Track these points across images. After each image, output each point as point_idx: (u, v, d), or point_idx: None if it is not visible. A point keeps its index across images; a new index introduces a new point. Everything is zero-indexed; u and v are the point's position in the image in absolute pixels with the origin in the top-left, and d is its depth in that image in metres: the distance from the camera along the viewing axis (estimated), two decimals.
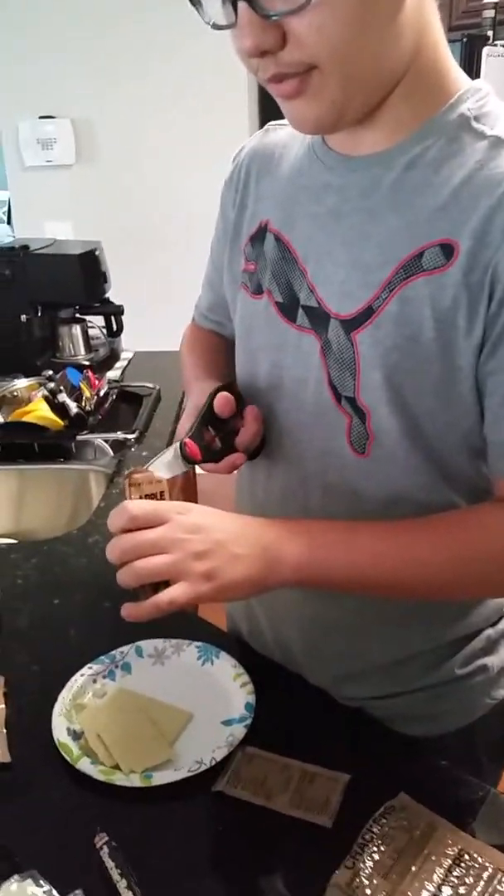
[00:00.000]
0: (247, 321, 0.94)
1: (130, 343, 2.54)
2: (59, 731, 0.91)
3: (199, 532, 0.76)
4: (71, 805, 0.84)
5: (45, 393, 1.83)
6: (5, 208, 5.40)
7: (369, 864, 0.72)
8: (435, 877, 0.71)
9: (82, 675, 0.99)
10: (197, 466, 0.89)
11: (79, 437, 1.79)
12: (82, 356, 2.36)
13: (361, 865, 0.72)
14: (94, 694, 0.98)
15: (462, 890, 0.70)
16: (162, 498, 0.79)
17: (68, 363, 2.20)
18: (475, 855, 0.73)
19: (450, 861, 0.72)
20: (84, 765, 0.86)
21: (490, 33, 2.99)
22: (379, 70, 0.72)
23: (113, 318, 2.41)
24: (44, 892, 0.72)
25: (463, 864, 0.72)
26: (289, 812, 0.80)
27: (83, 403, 1.84)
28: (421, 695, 0.97)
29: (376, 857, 0.73)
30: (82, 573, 1.29)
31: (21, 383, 2.05)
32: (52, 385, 1.83)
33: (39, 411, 1.79)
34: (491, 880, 0.70)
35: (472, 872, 0.71)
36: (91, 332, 2.41)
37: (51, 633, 1.13)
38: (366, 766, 0.85)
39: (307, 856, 0.77)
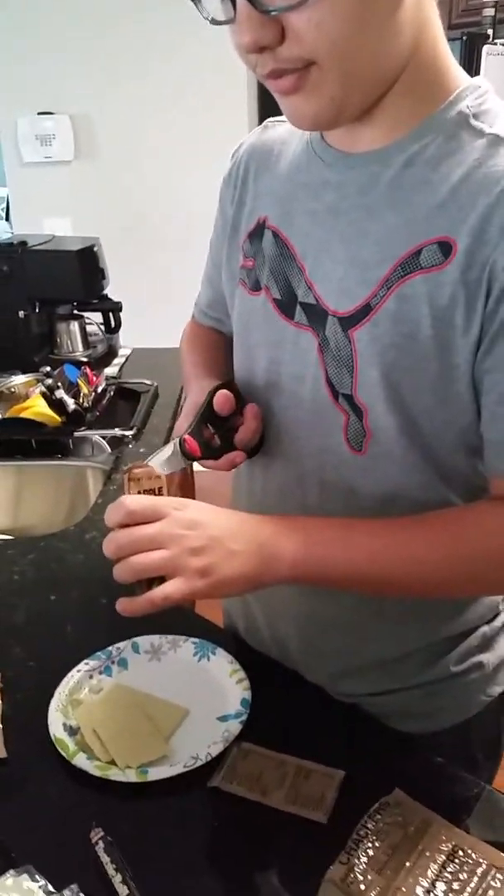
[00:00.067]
0: (244, 318, 0.95)
1: (128, 340, 2.54)
2: (56, 726, 0.91)
3: (196, 528, 0.76)
4: (67, 800, 0.84)
5: (43, 389, 1.83)
6: (4, 204, 5.39)
7: (364, 859, 0.72)
8: (429, 872, 0.71)
9: (79, 671, 0.99)
10: (195, 463, 0.89)
11: (76, 434, 1.79)
12: (80, 353, 2.37)
13: (356, 861, 0.72)
14: (90, 690, 0.98)
15: (456, 885, 0.70)
16: (160, 493, 0.80)
17: (66, 359, 2.20)
18: (469, 851, 0.73)
19: (444, 857, 0.73)
20: (80, 760, 0.86)
21: (490, 32, 2.99)
22: (377, 66, 0.72)
23: (111, 314, 2.41)
24: (39, 888, 0.72)
25: (457, 860, 0.72)
26: (284, 808, 0.80)
27: (81, 400, 1.84)
28: (417, 691, 0.97)
29: (371, 852, 0.73)
30: (79, 569, 1.29)
31: (19, 379, 2.06)
32: (49, 381, 1.83)
33: (37, 407, 1.79)
34: (485, 876, 0.71)
35: (466, 868, 0.72)
36: (89, 328, 2.42)
37: (47, 629, 1.13)
38: (361, 762, 0.86)
39: (302, 851, 0.77)
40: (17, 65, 3.38)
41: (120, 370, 2.32)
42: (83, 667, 1.00)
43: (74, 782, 0.85)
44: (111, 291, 2.42)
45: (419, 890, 0.70)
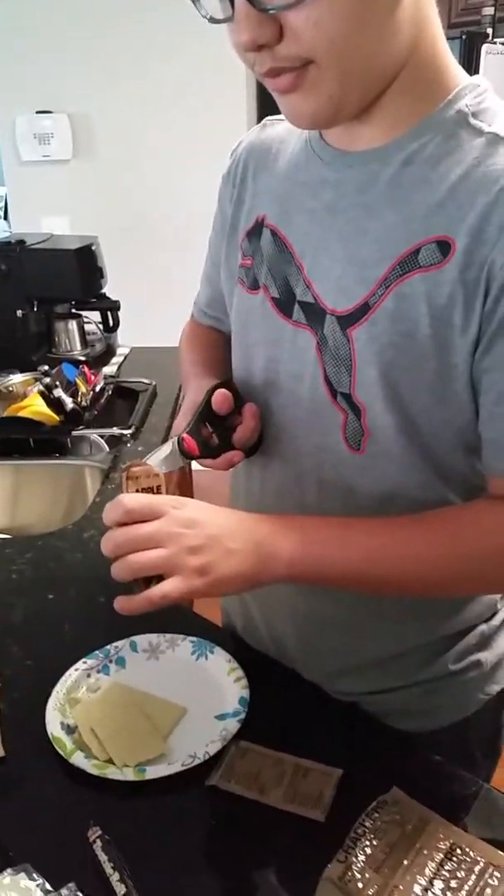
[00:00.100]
0: (243, 316, 0.94)
1: (127, 338, 2.54)
2: (53, 725, 0.91)
3: (194, 527, 0.76)
4: (64, 799, 0.84)
5: (41, 388, 1.83)
6: (2, 203, 5.39)
7: (362, 857, 0.72)
8: (427, 870, 0.71)
9: (76, 670, 0.99)
10: (194, 462, 0.89)
11: (74, 433, 1.79)
12: (78, 351, 2.36)
13: (354, 859, 0.72)
14: (88, 688, 0.98)
15: (453, 884, 0.70)
16: (158, 492, 0.79)
17: (64, 358, 2.20)
18: (467, 849, 0.73)
19: (441, 855, 0.73)
20: (78, 759, 0.86)
21: (489, 31, 2.99)
22: (376, 65, 0.72)
23: (109, 313, 2.41)
24: (37, 886, 0.72)
25: (455, 859, 0.72)
26: (282, 806, 0.80)
27: (79, 399, 1.84)
28: (415, 690, 0.98)
29: (369, 850, 0.73)
30: (77, 568, 1.29)
31: (17, 378, 2.06)
32: (47, 380, 1.83)
33: (35, 406, 1.79)
34: (482, 874, 0.71)
35: (463, 866, 0.72)
36: (87, 327, 2.41)
37: (45, 628, 1.13)
38: (359, 760, 0.86)
39: (300, 850, 0.77)
40: (16, 64, 3.37)
41: (118, 369, 2.32)
42: (81, 665, 1.00)
43: (72, 781, 0.85)
44: (109, 290, 2.42)
45: (417, 888, 0.70)
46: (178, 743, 0.89)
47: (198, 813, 0.82)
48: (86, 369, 1.97)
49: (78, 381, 1.88)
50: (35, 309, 2.26)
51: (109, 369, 2.28)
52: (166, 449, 0.85)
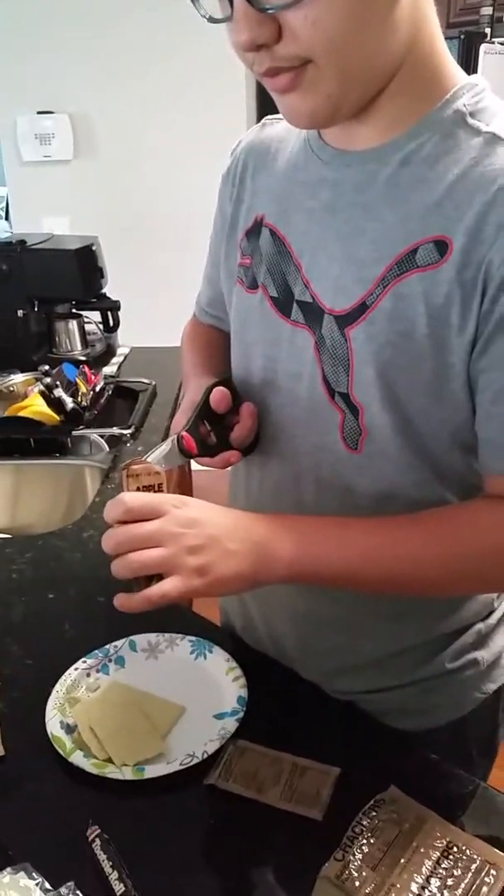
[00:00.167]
0: (242, 316, 0.95)
1: (127, 339, 2.54)
2: (53, 724, 0.91)
3: (194, 526, 0.76)
4: (63, 798, 0.84)
5: (42, 388, 1.83)
6: (3, 203, 5.40)
7: (359, 856, 0.73)
8: (424, 869, 0.71)
9: (76, 669, 1.00)
10: (193, 462, 0.89)
11: (74, 433, 1.79)
12: (78, 351, 2.37)
13: (351, 858, 0.72)
14: (87, 688, 0.98)
15: (450, 882, 0.70)
16: (159, 490, 0.79)
17: (64, 358, 2.20)
18: (464, 847, 0.73)
19: (438, 853, 0.73)
20: (77, 758, 0.86)
21: (488, 30, 2.99)
22: (374, 64, 0.72)
23: (109, 313, 2.41)
24: (36, 885, 0.72)
25: (451, 857, 0.72)
26: (280, 805, 0.80)
27: (79, 399, 1.84)
28: (412, 689, 0.98)
29: (366, 849, 0.73)
30: (77, 568, 1.29)
31: (17, 378, 2.06)
32: (48, 380, 1.83)
33: (35, 406, 1.79)
34: (479, 873, 0.71)
35: (460, 865, 0.72)
36: (87, 327, 2.42)
37: (45, 628, 1.13)
38: (357, 759, 0.86)
39: (298, 848, 0.77)
40: (17, 64, 3.38)
41: (118, 369, 2.32)
42: (80, 665, 1.00)
43: (71, 780, 0.85)
44: (110, 290, 2.43)
45: (414, 886, 0.70)
46: (177, 742, 0.89)
47: (196, 812, 0.82)
48: (86, 369, 1.97)
49: (78, 380, 1.89)
50: (36, 309, 2.26)
51: (109, 369, 2.28)
52: (166, 447, 0.85)
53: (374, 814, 0.77)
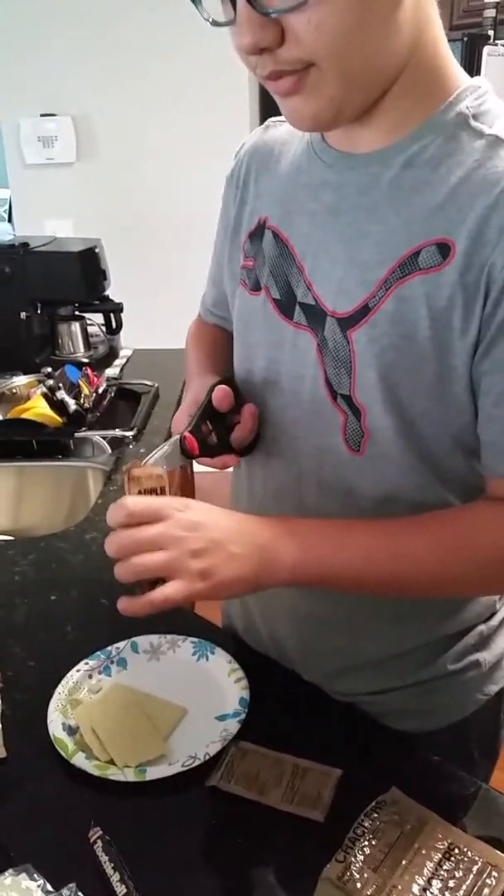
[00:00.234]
0: (244, 317, 0.95)
1: (129, 341, 2.54)
2: (55, 726, 0.91)
3: (198, 530, 0.76)
4: (65, 800, 0.84)
5: (44, 390, 1.83)
6: (6, 206, 5.40)
7: (360, 857, 0.73)
8: (425, 870, 0.71)
9: (78, 671, 1.00)
10: (195, 464, 0.89)
11: (77, 435, 1.79)
12: (81, 353, 2.37)
13: (353, 859, 0.72)
14: (89, 689, 0.98)
15: (452, 883, 0.70)
16: (162, 493, 0.79)
17: (67, 360, 2.21)
18: (465, 849, 0.73)
19: (440, 855, 0.73)
20: (79, 760, 0.86)
21: (491, 32, 3.00)
22: (377, 67, 0.72)
23: (112, 315, 2.42)
24: (38, 886, 0.72)
25: (453, 858, 0.72)
26: (281, 807, 0.80)
27: (82, 401, 1.84)
28: (414, 690, 0.98)
29: (367, 850, 0.73)
30: (79, 569, 1.30)
31: (20, 380, 2.06)
32: (51, 382, 1.83)
33: (38, 408, 1.80)
34: (480, 874, 0.71)
35: (461, 866, 0.72)
36: (90, 329, 2.42)
37: (47, 629, 1.13)
38: (358, 761, 0.86)
39: (299, 850, 0.77)
40: (19, 65, 3.38)
41: (121, 371, 2.32)
42: (83, 666, 1.01)
43: (73, 782, 0.85)
44: (112, 293, 2.43)
45: (415, 888, 0.70)
46: (179, 743, 0.89)
47: (198, 813, 0.82)
48: (89, 371, 1.97)
49: (81, 383, 1.89)
50: (38, 311, 2.27)
51: (112, 371, 2.28)
52: (167, 447, 0.85)
53: (375, 815, 0.77)
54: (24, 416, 1.79)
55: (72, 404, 1.79)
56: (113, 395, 2.03)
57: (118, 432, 1.81)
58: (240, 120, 3.35)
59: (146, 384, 2.10)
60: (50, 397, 1.81)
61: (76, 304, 2.36)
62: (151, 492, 0.79)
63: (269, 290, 0.89)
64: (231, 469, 0.94)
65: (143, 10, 3.24)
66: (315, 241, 0.85)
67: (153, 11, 3.21)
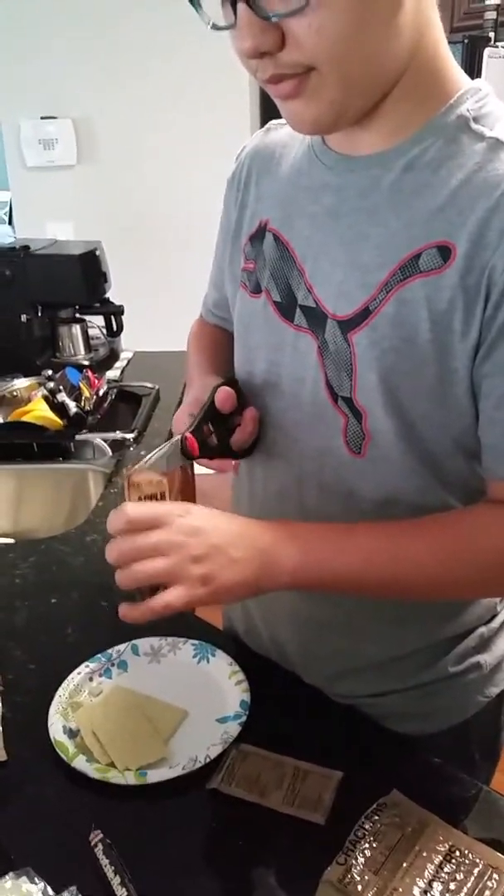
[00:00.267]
0: (245, 320, 0.95)
1: (130, 343, 2.54)
2: (55, 729, 0.91)
3: (198, 535, 0.76)
4: (66, 802, 0.84)
5: (45, 392, 1.83)
6: (7, 209, 5.41)
7: (361, 860, 0.73)
8: (426, 873, 0.71)
9: (79, 674, 1.00)
10: (196, 466, 0.89)
11: (78, 437, 1.79)
12: (82, 356, 2.37)
13: (353, 862, 0.72)
14: (90, 692, 0.98)
15: (452, 886, 0.70)
16: (162, 498, 0.79)
17: (68, 363, 2.21)
18: (466, 851, 0.73)
19: (441, 857, 0.73)
20: (79, 763, 0.86)
21: (492, 35, 3.00)
22: (377, 70, 0.72)
23: (113, 317, 2.42)
24: (39, 890, 0.72)
25: (454, 861, 0.72)
26: (282, 809, 0.80)
27: (82, 403, 1.84)
28: (414, 692, 0.98)
29: (368, 853, 0.73)
30: (80, 572, 1.30)
31: (21, 383, 2.06)
32: (51, 385, 1.83)
33: (39, 411, 1.80)
34: (481, 876, 0.71)
35: (462, 868, 0.72)
36: (91, 331, 2.42)
37: (48, 632, 1.13)
38: (359, 763, 0.86)
39: (300, 852, 0.77)
40: (19, 67, 3.39)
41: (121, 373, 2.33)
42: (83, 669, 1.00)
43: (74, 785, 0.85)
44: (113, 295, 2.43)
45: (416, 890, 0.70)
46: (180, 746, 0.89)
47: (199, 816, 0.82)
48: (89, 373, 1.97)
49: (81, 385, 1.89)
50: (39, 314, 2.27)
51: (113, 373, 2.29)
52: (167, 448, 0.85)
53: (376, 818, 0.77)
54: (25, 418, 1.79)
55: (72, 407, 1.79)
56: (113, 397, 2.03)
57: (119, 435, 1.81)
58: (240, 121, 3.36)
59: (147, 386, 2.10)
60: (50, 400, 1.81)
61: (77, 307, 2.36)
62: (152, 497, 0.79)
63: (269, 293, 0.90)
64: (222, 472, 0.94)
65: (143, 11, 3.25)
66: (316, 243, 0.85)
67: (153, 12, 3.21)
